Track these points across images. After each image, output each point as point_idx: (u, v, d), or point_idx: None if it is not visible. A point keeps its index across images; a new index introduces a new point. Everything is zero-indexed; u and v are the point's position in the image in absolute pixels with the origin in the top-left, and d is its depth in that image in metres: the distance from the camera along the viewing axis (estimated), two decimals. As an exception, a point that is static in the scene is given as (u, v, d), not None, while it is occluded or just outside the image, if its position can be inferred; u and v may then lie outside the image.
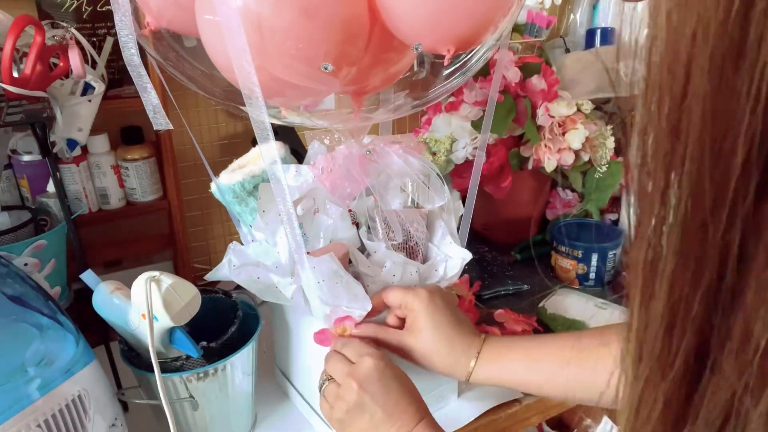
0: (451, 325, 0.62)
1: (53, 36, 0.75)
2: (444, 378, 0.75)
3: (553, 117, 1.02)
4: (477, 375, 0.63)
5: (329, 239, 0.69)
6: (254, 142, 0.53)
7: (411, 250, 0.69)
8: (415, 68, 0.59)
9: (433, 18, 0.48)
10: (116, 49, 0.84)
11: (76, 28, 0.80)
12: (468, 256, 0.68)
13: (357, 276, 0.64)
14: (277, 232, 0.67)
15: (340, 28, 0.47)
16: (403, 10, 0.48)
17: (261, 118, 0.48)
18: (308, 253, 0.60)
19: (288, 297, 0.61)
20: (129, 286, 0.60)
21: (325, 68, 0.48)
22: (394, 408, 0.56)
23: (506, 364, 0.63)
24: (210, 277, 0.68)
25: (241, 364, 0.67)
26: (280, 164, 0.53)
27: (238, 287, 0.83)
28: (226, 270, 0.66)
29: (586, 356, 0.60)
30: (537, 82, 1.02)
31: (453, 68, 0.58)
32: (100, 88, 0.79)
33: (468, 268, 1.02)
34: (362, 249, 0.69)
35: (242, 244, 0.72)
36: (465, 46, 0.53)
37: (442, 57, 0.50)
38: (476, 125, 1.01)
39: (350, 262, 0.65)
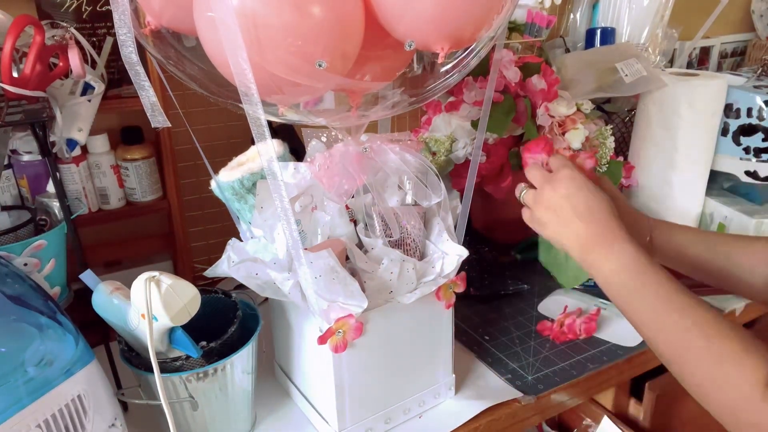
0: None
1: (53, 36, 0.76)
2: (441, 374, 0.76)
3: (552, 117, 1.02)
4: (657, 234, 0.73)
5: (327, 236, 0.69)
6: (254, 141, 0.53)
7: (408, 247, 0.69)
8: (415, 66, 0.59)
9: (426, 16, 0.48)
10: (116, 48, 0.85)
11: (76, 28, 0.80)
12: (464, 252, 0.68)
13: (354, 272, 0.64)
14: (275, 229, 0.67)
15: (335, 25, 0.47)
16: (397, 7, 0.48)
17: (257, 115, 0.48)
18: (306, 249, 0.60)
19: (285, 292, 0.62)
20: (129, 286, 0.60)
21: (320, 65, 0.48)
22: (590, 215, 0.62)
23: (679, 230, 0.74)
24: (209, 273, 0.68)
25: (240, 364, 0.67)
26: (277, 161, 0.53)
27: (238, 287, 0.83)
28: (225, 266, 0.67)
29: (743, 241, 0.71)
30: (537, 81, 1.02)
31: (449, 65, 0.58)
32: (99, 88, 0.80)
33: (468, 268, 1.03)
34: (360, 245, 0.69)
35: (241, 241, 0.72)
36: (459, 44, 0.53)
37: (438, 54, 0.50)
38: (476, 125, 1.01)
39: (347, 258, 0.66)
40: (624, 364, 0.86)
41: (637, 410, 0.96)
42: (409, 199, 0.70)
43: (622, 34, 1.29)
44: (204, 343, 0.65)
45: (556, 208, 0.66)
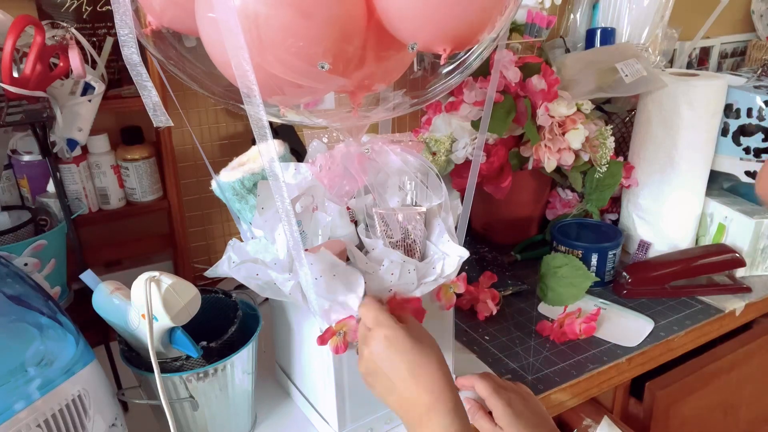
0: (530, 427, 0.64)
1: (53, 36, 0.76)
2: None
3: (553, 117, 1.02)
4: None
5: (327, 236, 0.69)
6: (254, 142, 0.53)
7: (409, 248, 0.69)
8: (416, 67, 0.59)
9: (429, 17, 0.48)
10: (116, 49, 0.84)
11: (76, 28, 0.80)
12: (465, 253, 0.68)
13: (355, 273, 0.64)
14: (275, 229, 0.67)
15: (337, 26, 0.47)
16: (399, 8, 0.48)
17: (259, 116, 0.48)
18: (306, 250, 0.60)
19: (286, 293, 0.62)
20: (129, 286, 0.60)
21: (322, 67, 0.48)
22: (403, 386, 0.56)
23: None
24: (210, 273, 0.68)
25: (241, 364, 0.67)
26: (278, 162, 0.53)
27: (239, 287, 0.83)
28: (226, 267, 0.67)
29: None
30: (537, 82, 1.02)
31: (451, 67, 0.58)
32: (100, 88, 0.80)
33: (468, 268, 1.03)
34: (360, 246, 0.69)
35: (242, 241, 0.72)
36: (461, 46, 0.52)
37: (440, 56, 0.50)
38: (476, 125, 1.01)
39: (348, 259, 0.66)
40: (624, 364, 0.86)
41: (637, 410, 0.96)
42: (409, 200, 0.70)
43: (622, 34, 1.29)
44: (204, 343, 0.65)
45: (369, 380, 0.60)
